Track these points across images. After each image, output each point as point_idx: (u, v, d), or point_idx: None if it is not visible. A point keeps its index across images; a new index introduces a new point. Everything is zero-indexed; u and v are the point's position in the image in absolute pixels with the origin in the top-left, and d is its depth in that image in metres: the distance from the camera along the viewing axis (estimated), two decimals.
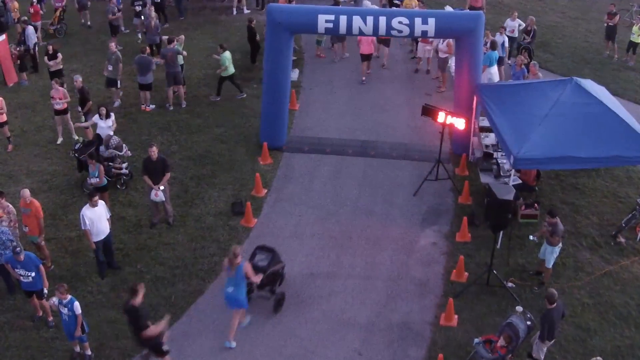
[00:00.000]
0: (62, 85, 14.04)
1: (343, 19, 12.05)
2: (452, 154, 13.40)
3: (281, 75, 12.77)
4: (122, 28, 19.34)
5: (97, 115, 13.07)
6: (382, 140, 13.98)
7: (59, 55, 15.91)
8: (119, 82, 15.36)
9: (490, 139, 12.65)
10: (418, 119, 14.57)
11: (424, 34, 12.23)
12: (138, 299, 8.25)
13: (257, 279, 8.96)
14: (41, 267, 9.52)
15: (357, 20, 12.04)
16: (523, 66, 14.78)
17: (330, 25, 12.11)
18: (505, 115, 11.25)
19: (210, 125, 14.68)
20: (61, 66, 16.07)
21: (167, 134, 14.44)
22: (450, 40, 15.57)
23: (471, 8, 18.39)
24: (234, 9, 20.86)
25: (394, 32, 12.16)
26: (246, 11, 20.65)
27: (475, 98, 12.49)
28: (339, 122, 14.55)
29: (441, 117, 11.67)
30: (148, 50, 15.30)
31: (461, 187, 12.26)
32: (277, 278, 9.78)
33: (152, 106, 15.45)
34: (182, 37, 15.99)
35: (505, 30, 16.29)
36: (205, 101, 15.75)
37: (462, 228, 11.24)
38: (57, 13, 19.54)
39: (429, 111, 11.86)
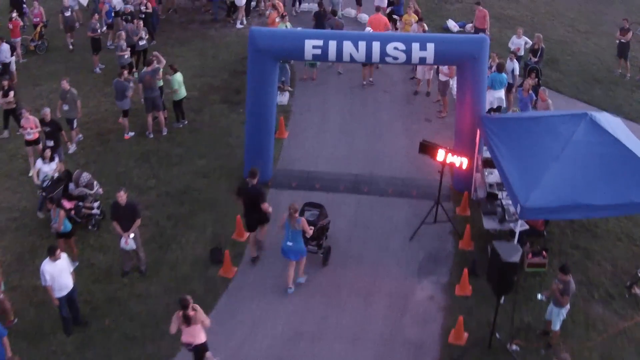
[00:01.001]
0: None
1: (332, 45, 10.95)
2: (452, 191, 12.30)
3: (265, 105, 11.69)
4: (109, 43, 18.31)
5: (39, 159, 11.87)
6: (377, 173, 12.87)
7: (11, 93, 14.12)
8: (75, 122, 13.82)
9: (494, 176, 11.52)
10: (416, 148, 13.50)
11: (422, 60, 11.12)
12: None
13: (311, 231, 9.92)
14: (5, 339, 8.50)
15: (347, 46, 10.94)
16: (531, 91, 13.67)
17: (318, 51, 11.02)
18: (511, 153, 10.14)
19: (191, 156, 13.60)
20: (13, 105, 14.26)
21: (145, 165, 13.37)
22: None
23: (476, 30, 17.29)
24: (238, 22, 19.80)
25: (388, 59, 11.06)
26: (239, 26, 19.64)
27: (478, 131, 11.39)
28: (330, 153, 13.44)
29: (441, 155, 10.56)
30: (125, 73, 14.20)
31: (462, 231, 11.15)
32: (324, 232, 10.73)
33: (131, 133, 14.39)
34: (164, 61, 14.81)
35: (514, 56, 15.08)
36: (188, 127, 14.67)
37: (462, 280, 10.14)
38: (38, 29, 18.52)
39: (427, 149, 10.75)
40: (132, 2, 18.13)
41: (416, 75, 15.97)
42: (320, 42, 10.95)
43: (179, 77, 14.21)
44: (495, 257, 8.16)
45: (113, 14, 18.47)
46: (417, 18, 16.76)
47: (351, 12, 20.37)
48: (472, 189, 12.01)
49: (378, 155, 13.49)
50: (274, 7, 17.20)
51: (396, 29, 17.81)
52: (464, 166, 10.51)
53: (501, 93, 14.03)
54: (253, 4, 20.27)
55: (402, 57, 10.98)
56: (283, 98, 15.36)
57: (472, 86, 11.25)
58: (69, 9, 18.25)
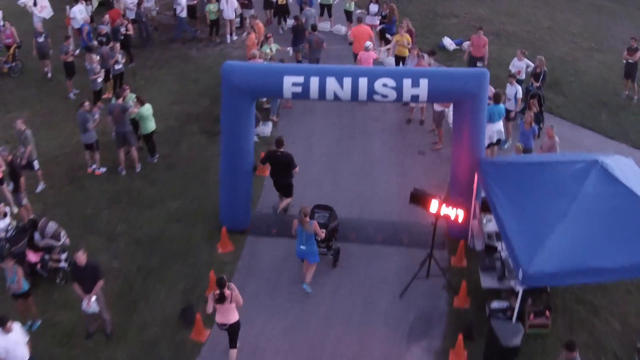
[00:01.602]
0: None
1: (314, 82, 9.91)
2: (448, 237, 11.26)
3: (241, 148, 10.64)
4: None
5: None
6: (365, 217, 11.82)
7: None
8: (35, 163, 12.65)
9: (493, 224, 10.47)
10: (409, 186, 12.47)
11: (415, 98, 10.08)
12: None
13: (323, 234, 9.92)
14: None
15: (331, 83, 9.90)
16: (534, 124, 12.64)
17: (299, 89, 9.98)
18: (512, 207, 9.09)
19: (165, 197, 12.55)
20: None
21: (115, 207, 12.33)
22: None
23: (471, 58, 16.02)
24: (228, 37, 18.88)
25: (377, 97, 10.02)
26: (229, 41, 18.63)
27: (476, 175, 10.35)
28: (315, 193, 12.33)
29: (434, 206, 9.53)
30: (87, 104, 13.09)
31: (457, 286, 10.12)
32: (334, 234, 10.67)
33: (103, 169, 13.35)
34: (130, 94, 13.70)
35: (514, 80, 13.97)
36: (163, 163, 13.62)
37: (457, 346, 9.08)
38: (11, 50, 17.47)
39: (419, 199, 9.71)
40: (107, 22, 17.05)
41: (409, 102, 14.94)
42: (300, 79, 9.91)
43: (145, 111, 13.14)
44: (493, 341, 7.14)
45: (92, 36, 17.45)
46: (409, 39, 15.73)
47: (341, 29, 19.34)
48: (469, 235, 10.98)
49: (366, 195, 12.42)
50: (253, 28, 16.18)
51: (387, 49, 16.83)
52: (460, 219, 9.47)
53: (500, 125, 12.98)
54: (237, 20, 19.22)
55: (392, 94, 9.94)
56: (266, 129, 14.32)
57: (470, 126, 10.20)
58: (43, 35, 16.79)
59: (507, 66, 17.20)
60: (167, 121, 14.95)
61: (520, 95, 13.78)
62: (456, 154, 10.54)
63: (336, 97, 10.02)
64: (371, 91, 9.92)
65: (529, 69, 15.20)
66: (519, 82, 15.06)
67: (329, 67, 10.26)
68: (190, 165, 13.54)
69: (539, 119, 14.59)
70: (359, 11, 18.56)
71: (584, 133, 15.03)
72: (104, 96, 15.80)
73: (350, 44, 16.86)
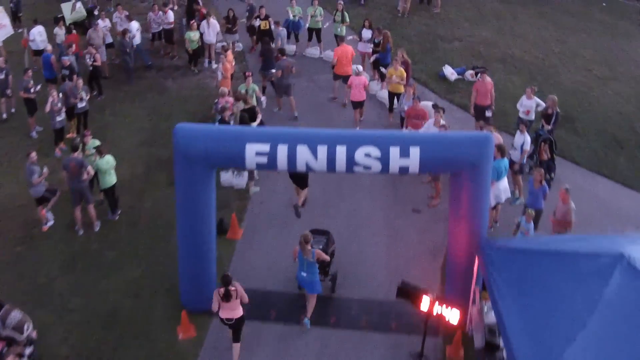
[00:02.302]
0: None
1: (282, 151, 8.33)
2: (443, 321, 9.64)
3: (200, 228, 9.04)
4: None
5: None
6: (348, 296, 10.17)
7: None
8: None
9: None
10: (400, 257, 10.93)
11: (404, 170, 8.46)
12: None
13: (328, 258, 9.60)
14: None
15: (303, 152, 8.32)
16: (544, 183, 11.00)
17: (264, 159, 8.40)
18: (519, 311, 7.46)
19: (125, 263, 10.98)
20: None
21: (70, 275, 10.79)
22: (446, 127, 11.88)
23: (476, 108, 13.98)
24: (206, 61, 17.40)
25: (358, 169, 8.44)
26: (214, 66, 17.07)
27: (477, 259, 8.75)
28: (292, 262, 10.78)
29: (425, 303, 7.94)
30: (33, 155, 11.53)
31: None
32: (331, 259, 10.19)
33: (50, 222, 11.81)
34: (92, 140, 12.23)
35: (525, 128, 12.26)
36: (125, 220, 12.06)
37: None
38: None
39: (407, 294, 8.12)
40: (71, 52, 15.46)
41: None
42: (265, 148, 8.33)
43: (104, 164, 11.62)
44: None
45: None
46: (404, 74, 14.11)
47: (331, 55, 17.64)
48: (467, 321, 9.38)
49: (350, 264, 10.77)
50: (226, 59, 14.65)
51: (382, 82, 15.26)
52: (455, 321, 7.89)
53: (506, 181, 11.39)
54: (219, 45, 17.63)
55: (377, 166, 8.35)
56: (241, 180, 12.72)
57: (470, 201, 8.58)
58: (3, 71, 14.80)
59: (513, 98, 15.71)
60: (134, 168, 13.40)
61: (527, 147, 12.12)
62: (453, 232, 8.90)
63: (309, 168, 8.44)
64: (351, 162, 8.33)
65: (539, 108, 13.57)
66: (528, 123, 13.49)
67: (301, 132, 8.65)
68: (154, 222, 11.96)
69: (550, 167, 12.99)
70: (350, 37, 16.96)
71: (599, 181, 13.38)
72: (68, 136, 14.32)
73: (333, 66, 15.41)
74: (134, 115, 15.34)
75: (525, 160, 12.46)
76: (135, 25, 17.11)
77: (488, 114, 12.86)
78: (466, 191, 8.56)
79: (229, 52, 15.23)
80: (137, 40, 17.01)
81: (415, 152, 8.28)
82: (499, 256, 8.31)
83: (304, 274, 9.40)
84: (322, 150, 8.30)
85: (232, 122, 12.82)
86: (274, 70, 14.91)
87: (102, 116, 15.35)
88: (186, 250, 9.18)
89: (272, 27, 16.88)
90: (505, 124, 14.35)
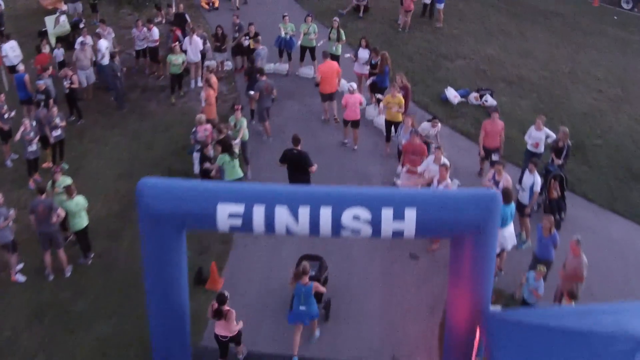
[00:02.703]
0: None
1: (258, 212, 7.29)
2: None
3: (172, 287, 8.04)
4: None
5: None
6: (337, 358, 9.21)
7: None
8: None
9: None
10: (395, 307, 9.92)
11: (398, 234, 7.42)
12: None
13: (323, 288, 9.25)
14: None
15: (282, 215, 7.28)
16: (554, 230, 9.95)
17: (238, 221, 7.37)
18: None
19: (95, 316, 9.96)
20: None
21: (36, 327, 9.78)
22: (449, 183, 10.79)
23: (486, 150, 12.58)
24: (192, 81, 16.33)
25: (345, 233, 7.39)
26: (199, 84, 16.01)
27: (478, 332, 7.73)
28: (277, 319, 9.77)
29: None
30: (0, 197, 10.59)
31: None
32: (325, 284, 9.87)
33: (20, 278, 10.83)
34: (62, 178, 11.26)
35: (535, 168, 11.09)
36: (99, 263, 11.05)
37: None
38: None
39: None
40: (47, 75, 14.45)
41: (396, 182, 12.27)
42: (239, 209, 7.30)
43: (74, 206, 10.63)
44: None
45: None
46: (402, 101, 13.07)
47: (308, 72, 16.71)
48: None
49: (340, 324, 9.76)
50: (208, 83, 13.59)
51: (378, 106, 14.23)
52: None
53: (511, 228, 10.35)
54: (207, 63, 16.62)
55: (367, 230, 7.32)
56: None
57: (473, 269, 7.52)
58: None
59: (520, 124, 14.78)
60: (110, 204, 12.39)
61: (537, 188, 11.04)
62: (453, 302, 7.85)
63: (289, 232, 7.43)
64: (337, 225, 7.30)
65: (549, 140, 12.52)
66: (537, 156, 12.45)
67: (280, 191, 7.59)
68: (130, 267, 10.92)
69: (560, 206, 11.96)
70: (347, 54, 15.95)
71: (613, 219, 12.30)
72: (44, 165, 13.37)
73: (317, 84, 14.45)
74: (114, 142, 14.33)
75: (535, 205, 11.41)
76: (104, 44, 15.93)
77: (495, 157, 11.69)
78: (469, 258, 7.52)
79: (212, 76, 14.19)
80: (105, 61, 15.73)
81: (411, 214, 7.24)
82: (504, 331, 7.27)
83: (303, 307, 8.93)
84: (304, 213, 7.28)
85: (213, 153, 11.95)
86: (252, 92, 14.02)
87: (80, 143, 14.35)
88: (157, 314, 8.17)
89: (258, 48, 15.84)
90: (512, 152, 13.26)
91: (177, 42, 15.50)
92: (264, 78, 13.73)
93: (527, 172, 11.22)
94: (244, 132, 12.66)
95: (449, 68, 17.39)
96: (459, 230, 7.48)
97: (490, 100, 15.52)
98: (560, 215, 11.90)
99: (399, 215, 7.27)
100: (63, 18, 19.18)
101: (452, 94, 15.66)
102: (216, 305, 8.52)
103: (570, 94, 16.38)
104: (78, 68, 15.54)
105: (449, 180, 10.64)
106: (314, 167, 11.28)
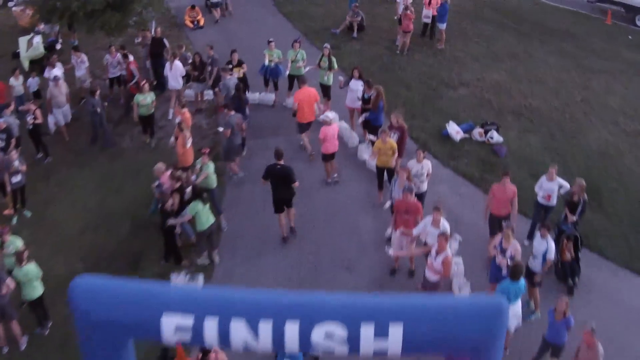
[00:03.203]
0: None
1: (211, 326, 5.95)
2: None
3: None
4: None
5: None
6: None
7: None
8: None
9: None
10: None
11: (380, 353, 6.07)
12: None
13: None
14: None
15: (239, 329, 5.91)
16: (568, 313, 8.57)
17: (187, 335, 6.04)
18: None
19: None
20: None
21: None
22: (449, 254, 9.36)
23: (492, 218, 10.81)
24: (171, 111, 14.89)
25: (315, 351, 6.09)
26: (177, 120, 14.49)
27: None
28: None
29: None
30: None
31: None
32: None
33: None
34: (12, 238, 9.98)
35: (547, 232, 9.63)
36: (58, 334, 9.78)
37: None
38: None
39: None
40: (9, 112, 13.15)
41: (391, 244, 10.82)
42: (187, 321, 5.96)
43: (23, 276, 9.35)
44: None
45: None
46: (394, 146, 11.66)
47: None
48: None
49: None
50: (180, 126, 12.18)
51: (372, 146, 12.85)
52: None
53: (518, 306, 8.96)
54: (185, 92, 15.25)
55: (342, 349, 5.93)
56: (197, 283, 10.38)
57: None
58: None
59: (528, 165, 13.57)
60: (72, 262, 11.07)
61: (551, 255, 9.64)
62: None
63: (246, 347, 6.08)
64: (306, 344, 5.94)
65: (562, 191, 11.13)
66: (548, 209, 11.09)
67: (238, 300, 6.22)
68: None
69: (573, 270, 10.60)
70: (340, 77, 14.56)
71: (633, 281, 10.83)
72: (5, 212, 12.23)
73: (294, 114, 13.23)
74: (81, 186, 13.01)
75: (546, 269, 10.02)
76: (58, 73, 14.59)
77: (504, 224, 10.14)
78: None
79: (186, 111, 12.85)
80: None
81: (396, 331, 5.87)
82: None
83: None
84: (265, 328, 5.92)
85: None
86: (221, 129, 12.77)
87: (46, 186, 13.11)
88: None
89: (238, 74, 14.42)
90: (520, 201, 11.61)
91: (144, 81, 13.90)
92: (232, 113, 12.53)
93: (538, 237, 9.81)
94: (211, 179, 11.41)
95: (451, 97, 15.94)
96: (454, 350, 6.11)
97: (496, 137, 14.12)
98: (573, 280, 10.54)
99: (381, 332, 5.89)
100: (37, 39, 18.05)
101: (454, 130, 14.23)
102: (200, 356, 8.09)
103: (584, 128, 14.91)
104: (53, 106, 14.22)
105: (449, 251, 9.24)
106: (297, 183, 11.06)
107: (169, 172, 11.01)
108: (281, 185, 10.95)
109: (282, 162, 10.92)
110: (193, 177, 11.14)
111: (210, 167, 11.32)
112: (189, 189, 10.93)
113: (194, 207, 10.51)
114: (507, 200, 10.47)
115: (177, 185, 10.77)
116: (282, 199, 11.09)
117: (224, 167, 12.91)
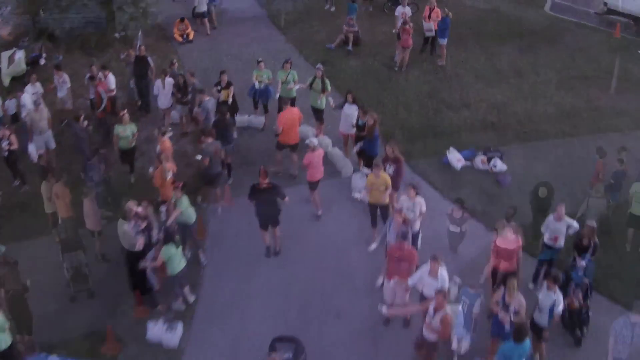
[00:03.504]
0: None
1: None
2: None
3: None
4: None
5: None
6: None
7: None
8: None
9: None
10: None
11: None
12: None
13: None
14: None
15: None
16: None
17: None
18: None
19: None
20: None
21: None
22: (448, 315, 8.49)
23: (494, 273, 9.88)
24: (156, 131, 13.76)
25: None
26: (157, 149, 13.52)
27: None
28: None
29: None
30: None
31: None
32: None
33: None
34: None
35: (555, 285, 8.79)
36: None
37: None
38: None
39: None
40: None
41: (384, 296, 9.95)
42: None
43: None
44: None
45: None
46: (388, 182, 10.84)
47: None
48: None
49: None
50: (159, 157, 11.46)
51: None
52: None
53: None
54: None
55: None
56: (172, 337, 9.50)
57: None
58: None
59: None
60: (46, 304, 10.26)
61: (559, 309, 8.82)
62: None
63: None
64: None
65: (571, 231, 10.31)
66: (556, 252, 10.28)
67: None
68: None
69: (582, 319, 9.79)
70: (332, 101, 13.77)
71: None
72: None
73: (277, 135, 12.59)
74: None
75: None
76: (27, 99, 13.67)
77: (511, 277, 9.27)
78: None
79: (166, 141, 12.06)
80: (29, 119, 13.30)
81: None
82: None
83: None
84: None
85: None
86: (199, 157, 12.02)
87: (21, 219, 12.28)
88: None
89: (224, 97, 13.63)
90: (525, 240, 10.90)
91: (124, 112, 12.84)
92: (210, 140, 11.77)
93: (544, 289, 8.98)
94: (187, 214, 10.64)
95: (452, 120, 15.04)
96: None
97: (499, 165, 13.29)
98: (581, 331, 9.73)
99: None
100: (19, 55, 17.25)
101: (455, 158, 13.37)
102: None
103: (594, 155, 14.00)
104: (34, 133, 13.34)
105: (448, 310, 8.41)
106: (287, 199, 10.89)
107: (138, 212, 10.16)
108: (263, 204, 10.75)
109: (266, 181, 10.66)
110: (163, 218, 10.35)
111: (184, 201, 10.54)
112: (154, 232, 10.13)
113: (166, 252, 9.75)
114: (512, 254, 9.62)
115: (144, 225, 9.96)
116: (267, 218, 10.93)
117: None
